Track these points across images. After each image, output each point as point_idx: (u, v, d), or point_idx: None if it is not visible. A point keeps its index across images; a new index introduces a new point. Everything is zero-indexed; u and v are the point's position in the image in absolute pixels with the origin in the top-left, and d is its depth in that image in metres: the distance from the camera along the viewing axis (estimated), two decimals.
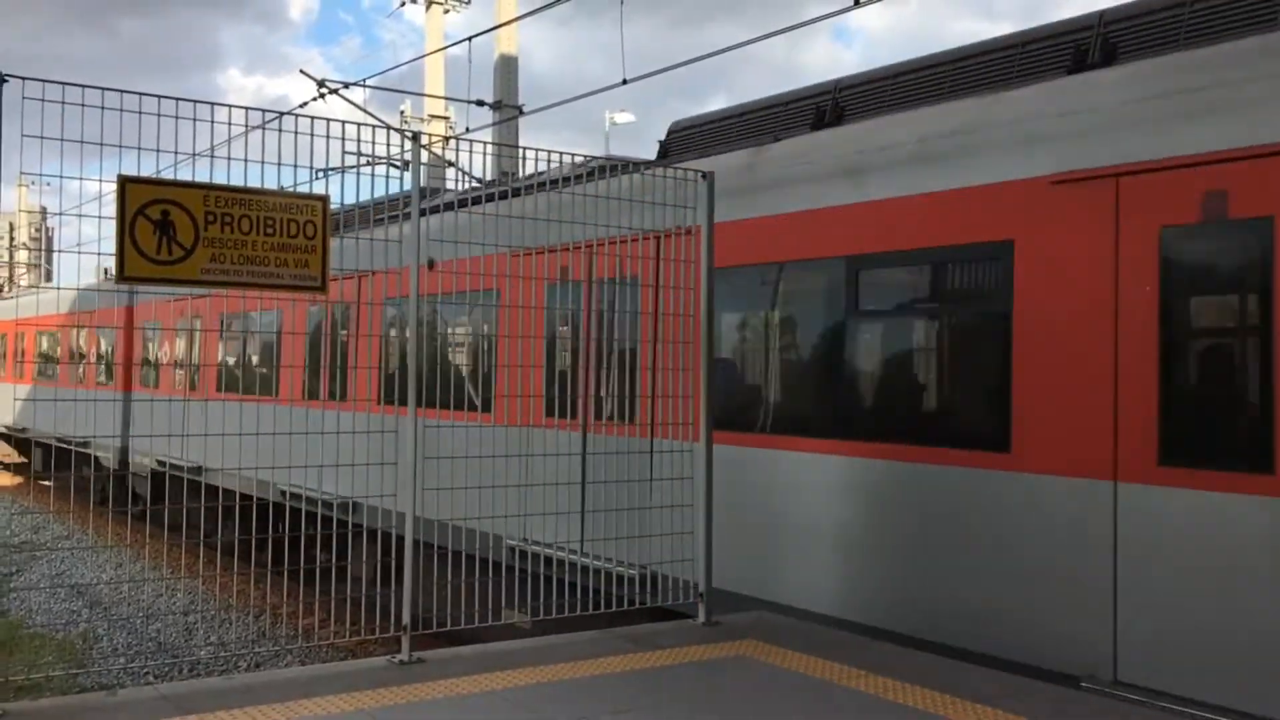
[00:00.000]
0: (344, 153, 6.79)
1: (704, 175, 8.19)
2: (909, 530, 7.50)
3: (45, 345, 26.92)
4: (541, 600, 8.12)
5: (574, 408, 9.97)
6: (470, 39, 19.40)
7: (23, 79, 5.67)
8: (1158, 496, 6.13)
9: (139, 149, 6.01)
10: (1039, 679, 6.42)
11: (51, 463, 23.86)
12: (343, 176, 6.95)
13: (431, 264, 7.98)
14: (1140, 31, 7.59)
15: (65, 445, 22.31)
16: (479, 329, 11.30)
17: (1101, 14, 7.89)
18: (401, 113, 28.93)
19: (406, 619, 6.82)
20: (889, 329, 8.02)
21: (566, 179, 8.70)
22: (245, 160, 6.41)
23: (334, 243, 6.50)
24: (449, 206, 10.78)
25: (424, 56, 26.30)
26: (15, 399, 28.49)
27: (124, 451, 20.98)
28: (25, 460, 31.40)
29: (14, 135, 5.66)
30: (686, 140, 11.32)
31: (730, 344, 9.26)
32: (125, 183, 5.90)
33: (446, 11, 27.24)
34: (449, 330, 11.93)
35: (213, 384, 16.91)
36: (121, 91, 5.98)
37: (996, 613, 6.91)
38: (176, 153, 6.18)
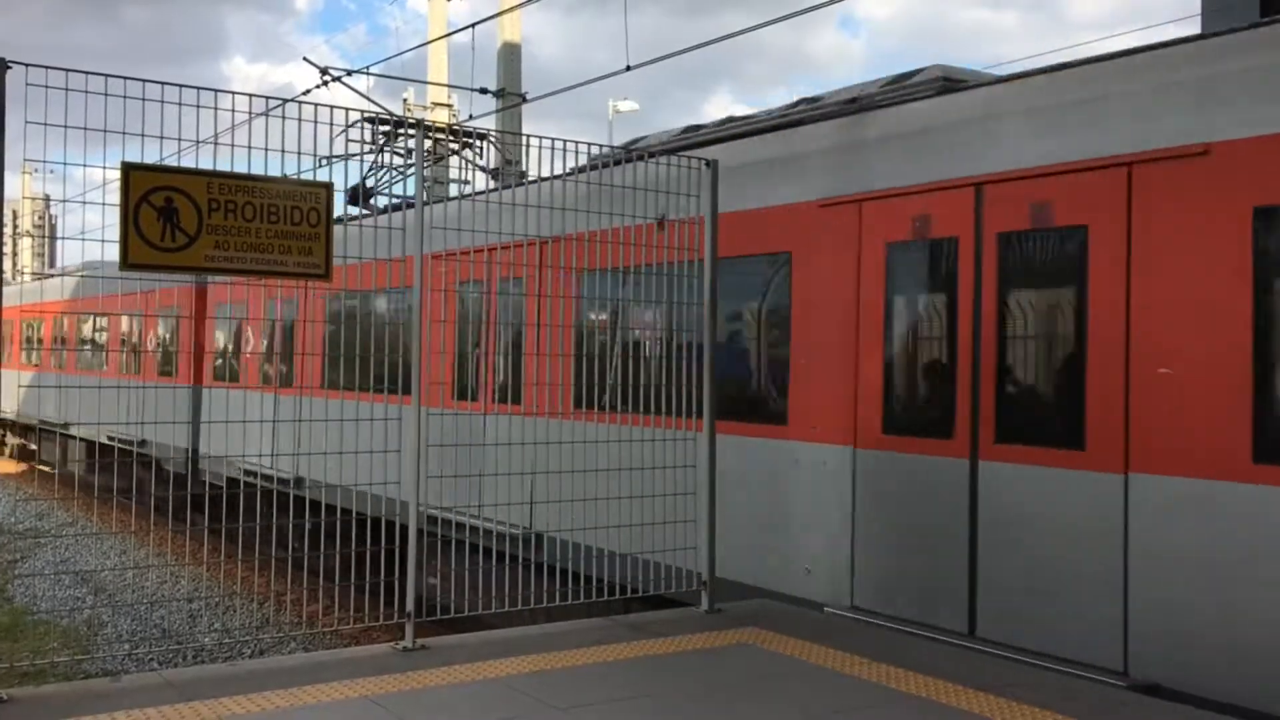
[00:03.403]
0: (347, 140, 6.78)
1: (708, 163, 8.14)
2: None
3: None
4: (545, 587, 8.12)
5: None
6: (473, 26, 19.39)
7: (26, 65, 5.66)
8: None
9: (142, 136, 5.99)
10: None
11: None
12: (345, 164, 6.94)
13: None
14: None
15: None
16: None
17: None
18: (404, 100, 28.89)
19: (410, 606, 6.83)
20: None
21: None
22: (249, 147, 6.40)
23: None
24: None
25: (427, 44, 26.24)
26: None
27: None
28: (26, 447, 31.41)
29: (18, 122, 5.67)
30: None
31: None
32: (129, 169, 5.88)
33: None
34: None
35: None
36: (125, 78, 5.96)
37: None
38: (180, 140, 6.18)
